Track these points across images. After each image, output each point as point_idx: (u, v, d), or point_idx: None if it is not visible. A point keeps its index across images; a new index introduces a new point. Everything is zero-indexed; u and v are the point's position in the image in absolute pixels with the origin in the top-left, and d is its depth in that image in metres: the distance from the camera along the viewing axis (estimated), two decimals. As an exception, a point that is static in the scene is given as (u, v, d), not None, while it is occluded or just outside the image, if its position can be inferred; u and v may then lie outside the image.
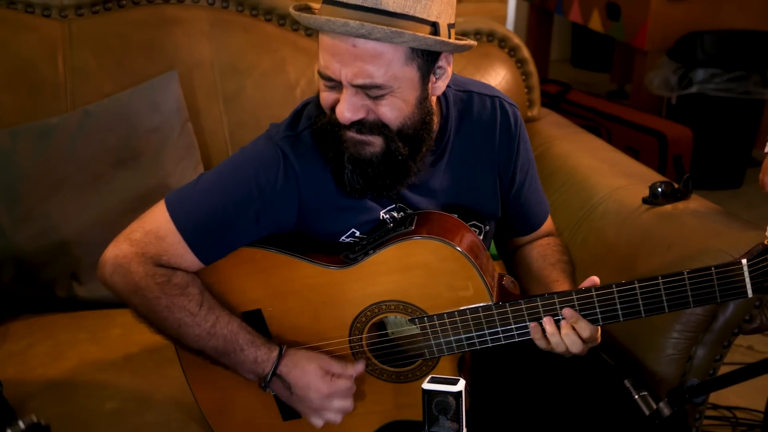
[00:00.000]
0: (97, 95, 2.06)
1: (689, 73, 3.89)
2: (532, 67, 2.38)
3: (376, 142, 1.45)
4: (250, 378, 1.53)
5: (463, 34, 2.32)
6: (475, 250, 1.51)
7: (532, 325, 1.45)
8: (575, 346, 1.44)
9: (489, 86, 1.67)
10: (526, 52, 2.37)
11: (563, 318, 1.44)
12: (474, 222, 1.63)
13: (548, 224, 1.77)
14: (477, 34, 2.35)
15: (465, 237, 1.52)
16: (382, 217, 1.56)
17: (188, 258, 1.50)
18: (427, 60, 1.44)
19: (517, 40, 2.38)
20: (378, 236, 1.55)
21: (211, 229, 1.50)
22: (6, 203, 1.92)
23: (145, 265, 1.48)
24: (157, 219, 1.51)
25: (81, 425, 1.62)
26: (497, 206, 1.66)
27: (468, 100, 1.60)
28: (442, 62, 1.47)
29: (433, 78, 1.47)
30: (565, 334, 1.43)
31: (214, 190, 1.52)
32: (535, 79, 2.38)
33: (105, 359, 1.78)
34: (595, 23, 4.34)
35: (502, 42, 2.36)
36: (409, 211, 1.57)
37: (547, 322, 1.44)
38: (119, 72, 2.11)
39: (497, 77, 2.31)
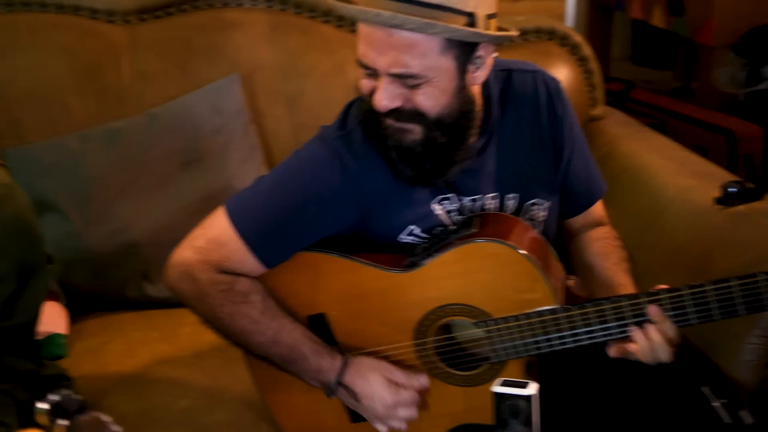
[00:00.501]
0: (162, 98, 2.15)
1: (759, 69, 3.86)
2: (594, 64, 2.39)
3: (416, 130, 1.47)
4: (315, 385, 1.58)
5: (523, 33, 2.36)
6: (540, 252, 1.53)
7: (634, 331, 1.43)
8: (663, 351, 1.42)
9: (527, 63, 1.67)
10: (587, 50, 2.39)
11: (648, 321, 1.42)
12: (535, 201, 1.63)
13: (600, 210, 1.75)
14: (537, 33, 2.39)
15: (529, 239, 1.54)
16: (437, 210, 1.58)
17: (250, 263, 1.55)
18: (464, 50, 1.44)
19: (578, 38, 2.40)
20: (439, 239, 1.57)
21: (272, 233, 1.54)
22: (78, 205, 2.02)
23: (209, 272, 1.54)
24: (218, 225, 1.56)
25: (154, 422, 1.69)
26: (555, 183, 1.66)
27: (508, 80, 1.60)
28: (480, 52, 1.47)
29: (471, 68, 1.48)
30: (653, 339, 1.42)
31: (271, 193, 1.57)
32: (597, 77, 2.39)
33: (176, 357, 1.86)
34: (658, 19, 4.34)
35: (563, 40, 2.38)
36: (465, 200, 1.59)
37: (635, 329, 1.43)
38: (182, 75, 2.19)
39: (558, 76, 2.30)
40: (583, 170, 1.70)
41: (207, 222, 1.59)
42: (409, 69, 1.42)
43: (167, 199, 2.07)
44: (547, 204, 1.66)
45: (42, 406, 0.89)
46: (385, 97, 1.44)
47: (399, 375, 1.56)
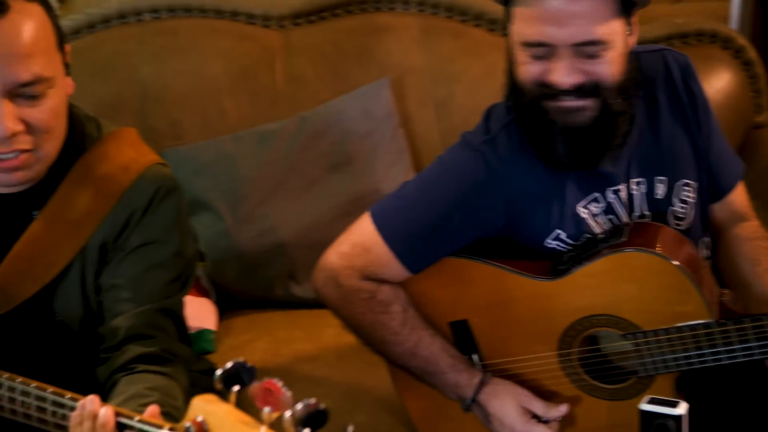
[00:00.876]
0: (313, 102, 2.21)
1: None
2: (759, 69, 2.31)
3: (591, 106, 1.47)
4: (452, 398, 1.59)
5: (683, 36, 2.29)
6: (693, 264, 1.49)
7: None
8: None
9: (650, 45, 1.66)
10: (752, 53, 2.30)
11: None
12: (685, 181, 1.59)
13: (744, 200, 1.69)
14: (698, 36, 2.31)
15: (682, 249, 1.51)
16: (583, 214, 1.57)
17: (394, 268, 1.57)
18: (626, 13, 1.47)
19: (742, 41, 2.32)
20: (587, 247, 1.56)
21: (417, 238, 1.56)
22: (230, 205, 2.10)
23: (352, 279, 1.57)
24: (363, 231, 1.59)
25: (295, 421, 1.75)
26: (700, 161, 1.61)
27: (636, 61, 1.58)
28: (634, 17, 1.50)
29: (628, 33, 1.50)
30: None
31: (416, 198, 1.59)
32: (763, 83, 2.31)
33: (318, 357, 1.90)
34: (832, 21, 4.12)
35: (726, 43, 2.31)
36: (610, 196, 1.57)
37: None
38: (334, 79, 2.24)
39: (720, 81, 2.27)
40: (722, 148, 1.66)
41: (352, 228, 1.62)
42: (594, 35, 1.43)
43: (315, 201, 2.12)
44: (695, 185, 1.61)
45: (218, 372, 0.94)
46: (567, 73, 1.45)
47: (538, 405, 1.55)
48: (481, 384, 1.56)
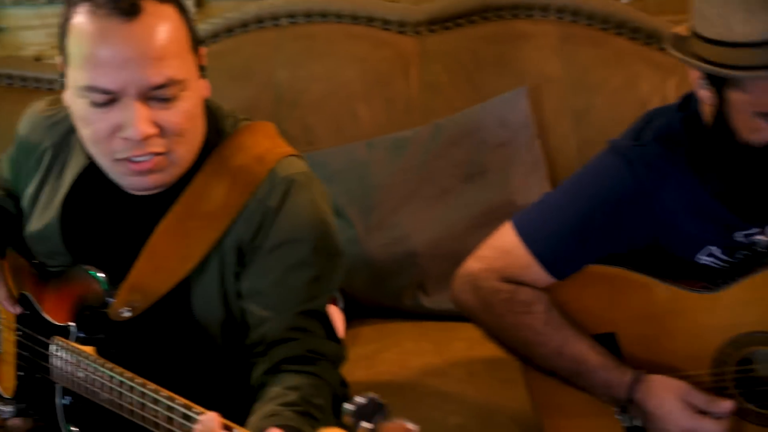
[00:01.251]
0: (448, 110, 2.18)
1: None
2: None
3: None
4: (604, 401, 1.53)
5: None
6: None
7: None
8: None
9: None
10: None
11: None
12: None
13: None
14: None
15: None
16: (738, 237, 1.51)
17: (535, 271, 1.54)
18: None
19: None
20: (746, 261, 1.50)
21: (560, 242, 1.53)
22: (361, 212, 2.09)
23: (491, 280, 1.55)
24: (505, 238, 1.57)
25: (427, 437, 1.72)
26: None
27: None
28: None
29: None
30: None
31: (561, 205, 1.56)
32: None
33: (448, 372, 1.86)
34: None
35: None
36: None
37: None
38: (469, 87, 2.21)
39: None
40: None
41: (494, 235, 1.60)
42: None
43: (448, 211, 2.09)
44: None
45: (348, 407, 0.91)
46: None
47: (700, 398, 1.48)
48: (635, 381, 1.50)
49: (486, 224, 2.06)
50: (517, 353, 1.58)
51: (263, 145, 1.43)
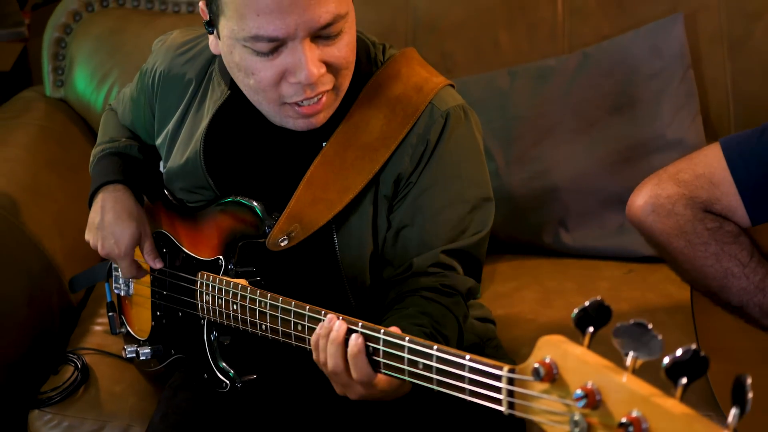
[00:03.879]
0: (595, 37, 2.12)
1: None
2: None
3: None
4: None
5: None
6: None
7: None
8: None
9: None
10: None
11: None
12: None
13: None
14: None
15: None
16: None
17: (739, 214, 1.49)
18: None
19: None
20: None
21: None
22: (501, 144, 2.07)
23: (694, 209, 1.49)
24: (712, 163, 1.50)
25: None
26: None
27: None
28: None
29: None
30: None
31: None
32: None
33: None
34: None
35: None
36: None
37: None
38: (619, 12, 2.14)
39: None
40: None
41: (697, 156, 1.54)
42: None
43: (592, 145, 2.05)
44: None
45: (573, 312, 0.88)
46: None
47: None
48: None
49: (633, 160, 2.03)
50: (707, 285, 1.53)
51: (420, 74, 1.42)
